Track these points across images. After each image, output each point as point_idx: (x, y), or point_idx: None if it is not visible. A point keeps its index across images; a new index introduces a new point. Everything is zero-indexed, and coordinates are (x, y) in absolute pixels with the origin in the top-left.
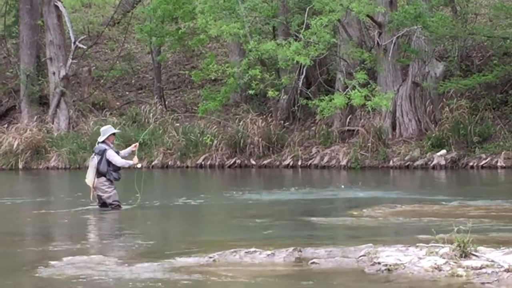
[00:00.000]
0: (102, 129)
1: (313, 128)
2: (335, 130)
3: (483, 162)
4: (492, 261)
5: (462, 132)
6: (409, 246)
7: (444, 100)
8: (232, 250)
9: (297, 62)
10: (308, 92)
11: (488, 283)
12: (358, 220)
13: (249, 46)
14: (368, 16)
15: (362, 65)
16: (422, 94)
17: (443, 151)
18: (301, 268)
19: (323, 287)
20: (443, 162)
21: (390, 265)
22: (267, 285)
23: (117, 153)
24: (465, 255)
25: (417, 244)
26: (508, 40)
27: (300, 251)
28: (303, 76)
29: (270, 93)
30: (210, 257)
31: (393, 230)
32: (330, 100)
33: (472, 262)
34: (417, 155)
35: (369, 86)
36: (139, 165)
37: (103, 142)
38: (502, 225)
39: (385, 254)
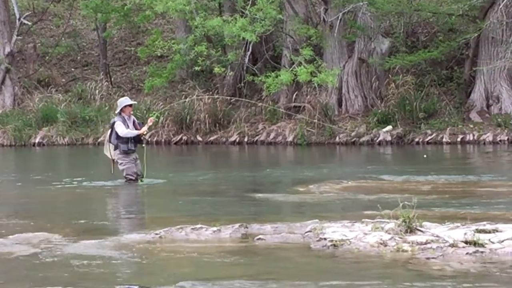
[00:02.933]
0: (118, 101)
1: (260, 105)
2: (281, 107)
3: (429, 138)
4: (437, 236)
5: (407, 108)
6: (355, 222)
7: (390, 76)
8: (178, 226)
9: (243, 38)
10: (254, 69)
11: (433, 258)
12: (305, 196)
13: (195, 23)
14: None
15: (308, 41)
16: (368, 70)
17: (389, 127)
18: (247, 244)
19: (269, 263)
20: (389, 138)
21: (336, 241)
22: (213, 261)
23: (140, 124)
24: (410, 230)
25: (363, 220)
26: (453, 17)
27: (246, 227)
28: (249, 53)
29: (216, 69)
30: (156, 234)
31: (339, 206)
32: (276, 77)
33: (417, 238)
34: (363, 131)
35: (315, 62)
36: (146, 132)
37: (118, 114)
38: (447, 200)
39: (331, 230)
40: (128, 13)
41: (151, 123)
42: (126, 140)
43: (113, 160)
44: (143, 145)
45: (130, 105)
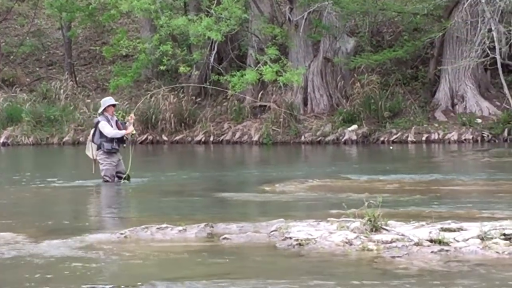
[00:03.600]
0: (101, 100)
1: (225, 104)
2: (247, 106)
3: (394, 137)
4: (402, 235)
5: (373, 107)
6: (320, 221)
7: (355, 75)
8: (143, 226)
9: (209, 37)
10: (219, 68)
11: (398, 256)
12: (270, 195)
13: (160, 22)
14: None
15: (274, 40)
16: (333, 70)
17: (354, 126)
18: (212, 244)
19: (235, 262)
20: (354, 137)
21: (301, 240)
22: (178, 260)
23: (123, 124)
24: (376, 229)
25: (328, 219)
26: (418, 16)
27: (212, 226)
28: (214, 52)
29: (182, 68)
30: (122, 234)
31: (305, 205)
32: (242, 76)
33: (383, 236)
34: (328, 130)
35: (280, 61)
36: (134, 132)
37: (101, 114)
38: (412, 199)
39: (297, 229)
40: (93, 12)
41: (132, 120)
42: (110, 139)
43: (95, 160)
44: (124, 145)
45: (114, 105)
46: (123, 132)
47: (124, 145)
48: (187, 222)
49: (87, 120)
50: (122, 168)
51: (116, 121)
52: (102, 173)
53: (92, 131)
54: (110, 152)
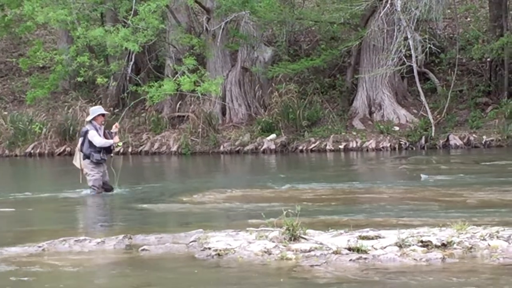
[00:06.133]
0: (91, 108)
1: (143, 115)
2: (165, 116)
3: (313, 145)
4: (321, 243)
5: (291, 116)
6: (239, 231)
7: (273, 84)
8: (61, 238)
9: (126, 48)
10: (137, 79)
11: (317, 265)
12: (189, 206)
13: (77, 33)
14: (196, 1)
15: (191, 50)
16: (251, 79)
17: (273, 135)
18: (131, 255)
19: (153, 273)
20: (273, 146)
21: (220, 250)
22: (96, 273)
23: (110, 134)
24: (294, 238)
25: (247, 229)
26: (335, 25)
27: (131, 238)
28: (132, 63)
29: (99, 80)
30: (39, 247)
31: (224, 215)
32: (160, 86)
33: (301, 245)
34: (247, 139)
35: (198, 71)
36: (120, 144)
37: (90, 122)
38: (330, 207)
39: (215, 239)
40: (9, 24)
41: (117, 129)
42: (99, 149)
43: (82, 169)
44: (111, 155)
45: (103, 115)
46: (111, 141)
47: (111, 155)
48: (106, 234)
49: (4, 133)
50: (107, 179)
51: (104, 131)
52: (90, 183)
53: (80, 140)
54: (98, 163)
